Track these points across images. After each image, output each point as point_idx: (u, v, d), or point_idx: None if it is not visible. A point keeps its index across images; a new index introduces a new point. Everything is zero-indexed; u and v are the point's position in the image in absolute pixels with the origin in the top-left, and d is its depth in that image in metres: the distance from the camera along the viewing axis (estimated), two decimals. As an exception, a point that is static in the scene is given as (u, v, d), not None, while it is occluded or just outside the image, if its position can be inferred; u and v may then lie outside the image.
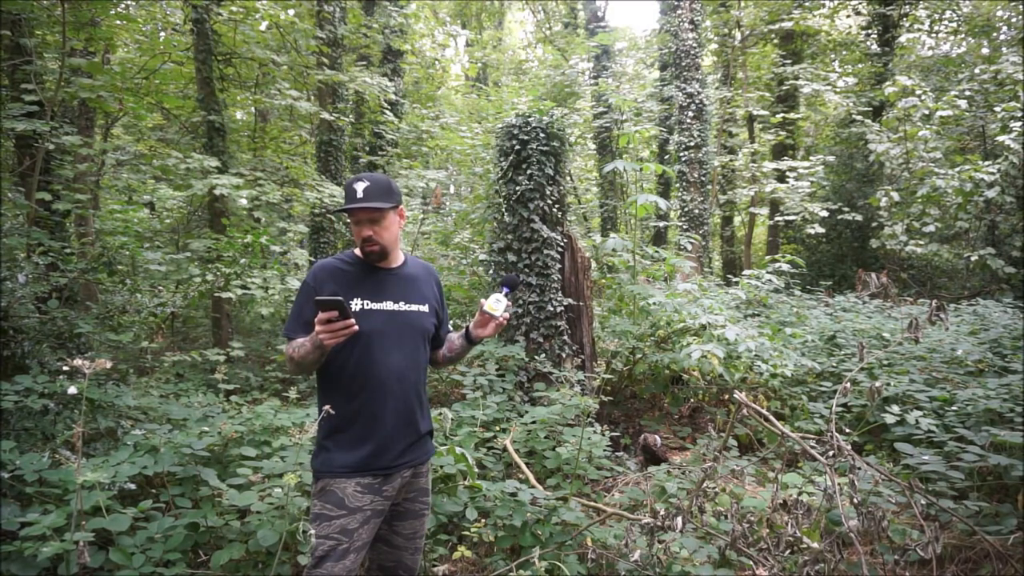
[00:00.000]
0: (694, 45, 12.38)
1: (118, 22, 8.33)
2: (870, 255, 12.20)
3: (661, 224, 13.78)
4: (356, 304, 2.14)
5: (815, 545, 2.71)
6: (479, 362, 5.27)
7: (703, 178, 12.34)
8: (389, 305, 2.20)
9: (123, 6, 8.96)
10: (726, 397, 5.78)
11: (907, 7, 13.49)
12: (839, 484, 2.74)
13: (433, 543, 3.28)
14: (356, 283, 2.18)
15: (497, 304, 2.22)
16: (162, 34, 10.49)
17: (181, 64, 8.95)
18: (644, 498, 3.80)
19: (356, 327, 1.94)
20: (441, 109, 14.19)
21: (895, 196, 9.99)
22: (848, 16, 15.74)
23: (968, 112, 10.55)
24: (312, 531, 2.06)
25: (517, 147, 5.54)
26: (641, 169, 6.90)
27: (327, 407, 2.10)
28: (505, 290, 2.29)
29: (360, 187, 2.14)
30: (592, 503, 3.75)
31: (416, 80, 14.78)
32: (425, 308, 2.28)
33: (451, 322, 2.80)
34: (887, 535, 2.67)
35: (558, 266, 5.54)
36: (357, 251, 2.25)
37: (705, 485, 3.19)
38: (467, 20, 22.06)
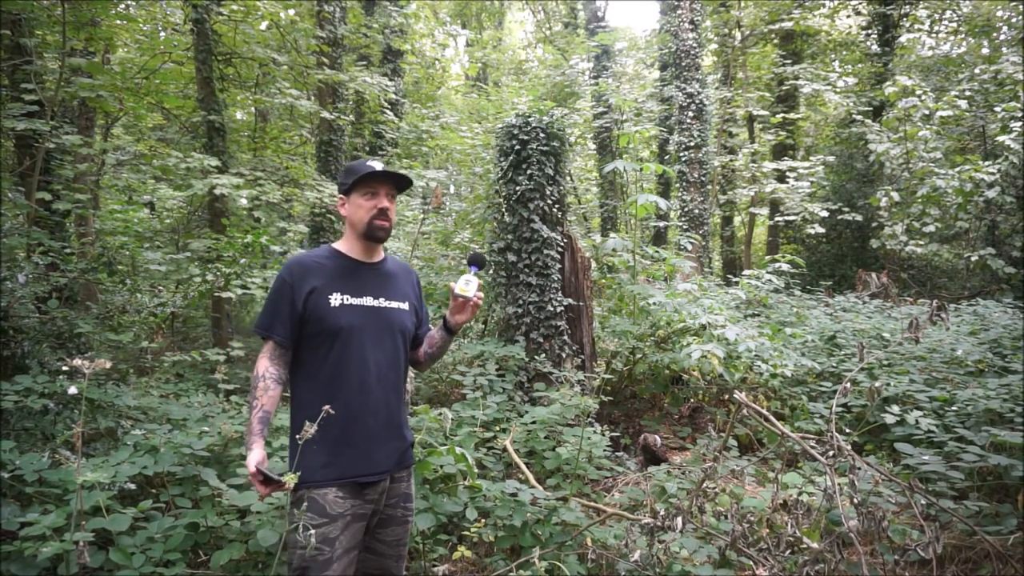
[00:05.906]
0: (694, 45, 12.38)
1: (118, 22, 8.34)
2: (870, 255, 12.20)
3: (661, 224, 13.77)
4: (335, 299, 2.08)
5: (815, 545, 2.71)
6: (479, 362, 5.27)
7: (703, 178, 12.34)
8: (369, 301, 2.13)
9: (123, 6, 8.95)
10: (726, 397, 5.78)
11: (907, 7, 13.49)
12: (839, 484, 2.74)
13: (433, 543, 3.28)
14: (335, 277, 2.12)
15: (468, 285, 2.14)
16: (162, 34, 10.49)
17: (181, 64, 8.96)
18: (644, 498, 3.79)
19: (289, 486, 1.92)
20: (441, 109, 14.18)
21: (895, 196, 9.98)
22: (848, 16, 15.74)
23: (968, 112, 10.55)
24: (312, 531, 1.97)
25: (517, 147, 5.54)
26: (641, 169, 6.90)
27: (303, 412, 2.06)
28: (473, 269, 2.21)
29: (377, 164, 2.13)
30: (592, 503, 3.75)
31: (416, 80, 14.79)
32: (405, 306, 2.21)
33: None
34: (887, 535, 2.67)
35: (558, 266, 5.54)
36: (335, 245, 2.21)
37: (705, 485, 3.19)
38: (467, 20, 22.05)
